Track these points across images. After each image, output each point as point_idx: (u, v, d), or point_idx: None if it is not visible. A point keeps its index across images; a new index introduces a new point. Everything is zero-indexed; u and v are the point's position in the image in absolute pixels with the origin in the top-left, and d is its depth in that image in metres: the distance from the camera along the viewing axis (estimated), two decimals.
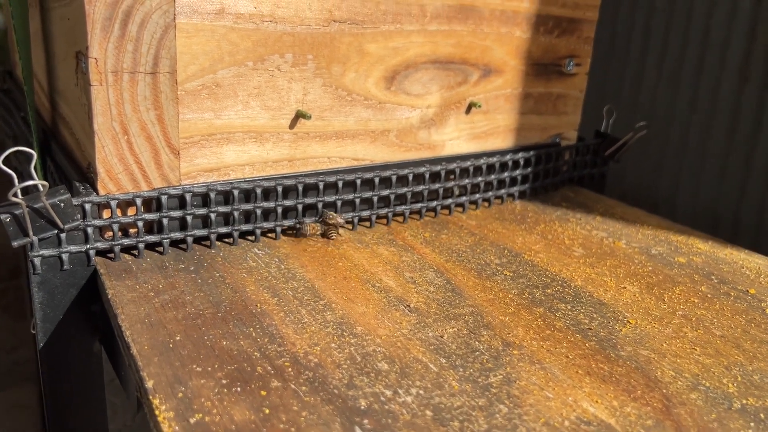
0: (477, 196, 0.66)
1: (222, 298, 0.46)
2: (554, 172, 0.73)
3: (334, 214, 0.56)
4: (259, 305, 0.45)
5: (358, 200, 0.59)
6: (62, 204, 0.46)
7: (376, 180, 0.59)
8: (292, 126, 0.55)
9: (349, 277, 0.50)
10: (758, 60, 1.51)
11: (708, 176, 1.78)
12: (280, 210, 0.55)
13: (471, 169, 0.65)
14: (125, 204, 0.50)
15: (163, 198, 0.50)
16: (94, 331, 0.51)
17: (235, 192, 0.53)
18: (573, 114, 0.74)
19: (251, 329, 0.42)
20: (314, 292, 0.48)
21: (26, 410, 1.14)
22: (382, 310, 0.46)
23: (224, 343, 0.40)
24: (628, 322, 0.47)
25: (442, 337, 0.43)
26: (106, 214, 0.49)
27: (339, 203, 0.58)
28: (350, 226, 0.59)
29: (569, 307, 0.49)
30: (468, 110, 0.65)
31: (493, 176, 0.67)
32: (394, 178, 0.60)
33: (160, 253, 0.51)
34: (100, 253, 0.50)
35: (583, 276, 0.54)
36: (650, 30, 1.82)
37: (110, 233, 0.49)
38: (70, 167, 0.54)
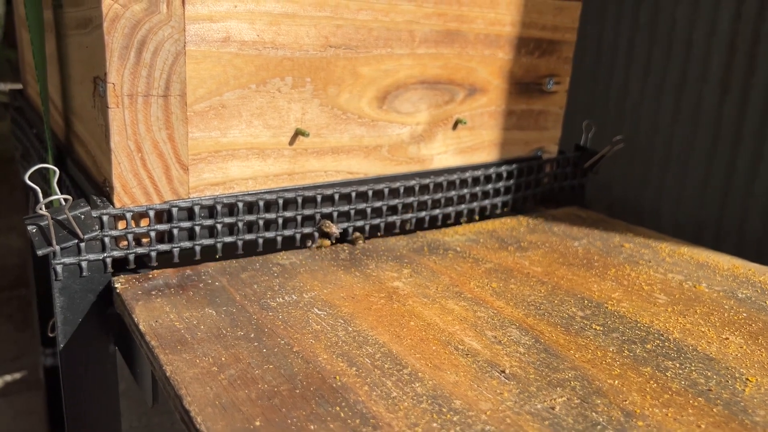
0: (463, 206, 0.71)
1: (295, 371, 0.42)
2: (536, 184, 0.78)
3: (330, 223, 0.61)
4: (337, 377, 0.41)
5: (353, 211, 0.63)
6: (83, 216, 0.50)
7: (370, 193, 0.63)
8: (291, 143, 0.60)
9: (427, 339, 0.47)
10: (738, 71, 1.57)
11: (691, 185, 1.84)
12: (281, 221, 0.60)
13: (457, 181, 0.69)
14: (139, 216, 0.54)
15: (174, 210, 0.54)
16: (109, 333, 0.55)
17: (240, 204, 0.57)
18: (553, 129, 0.79)
19: (337, 408, 0.38)
20: (393, 358, 0.44)
21: (32, 416, 1.18)
22: (475, 377, 0.42)
23: (312, 427, 0.36)
24: (748, 380, 0.44)
25: (553, 409, 0.40)
26: (121, 225, 0.53)
27: (335, 214, 0.62)
28: (339, 234, 0.64)
29: (677, 365, 0.46)
30: (455, 126, 0.70)
31: (478, 188, 0.71)
32: (386, 190, 0.64)
33: (175, 265, 0.56)
34: (116, 262, 0.54)
35: (679, 327, 0.52)
36: (634, 45, 1.88)
37: (125, 243, 0.54)
38: (86, 182, 0.59)
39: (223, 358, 0.43)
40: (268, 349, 0.44)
